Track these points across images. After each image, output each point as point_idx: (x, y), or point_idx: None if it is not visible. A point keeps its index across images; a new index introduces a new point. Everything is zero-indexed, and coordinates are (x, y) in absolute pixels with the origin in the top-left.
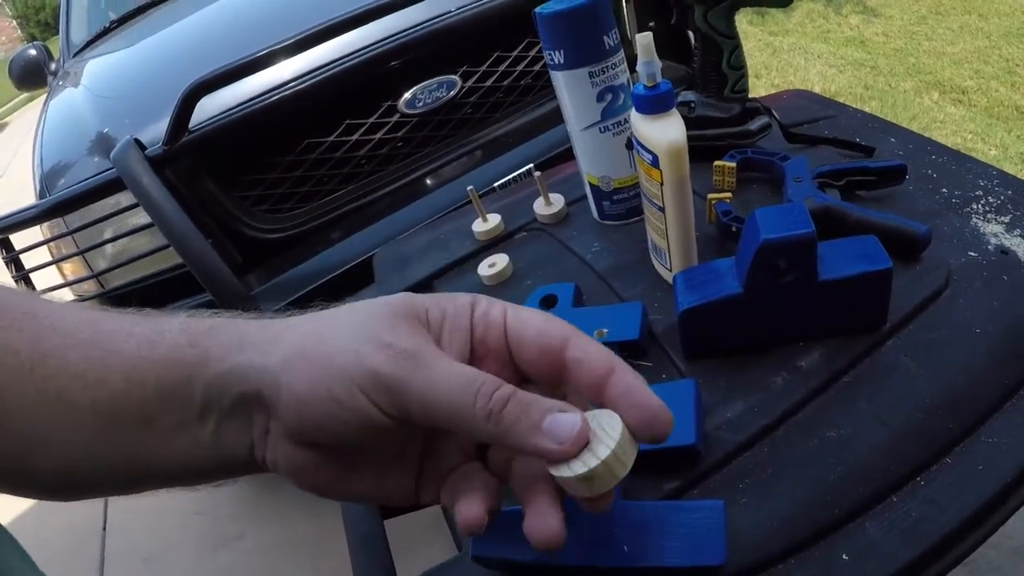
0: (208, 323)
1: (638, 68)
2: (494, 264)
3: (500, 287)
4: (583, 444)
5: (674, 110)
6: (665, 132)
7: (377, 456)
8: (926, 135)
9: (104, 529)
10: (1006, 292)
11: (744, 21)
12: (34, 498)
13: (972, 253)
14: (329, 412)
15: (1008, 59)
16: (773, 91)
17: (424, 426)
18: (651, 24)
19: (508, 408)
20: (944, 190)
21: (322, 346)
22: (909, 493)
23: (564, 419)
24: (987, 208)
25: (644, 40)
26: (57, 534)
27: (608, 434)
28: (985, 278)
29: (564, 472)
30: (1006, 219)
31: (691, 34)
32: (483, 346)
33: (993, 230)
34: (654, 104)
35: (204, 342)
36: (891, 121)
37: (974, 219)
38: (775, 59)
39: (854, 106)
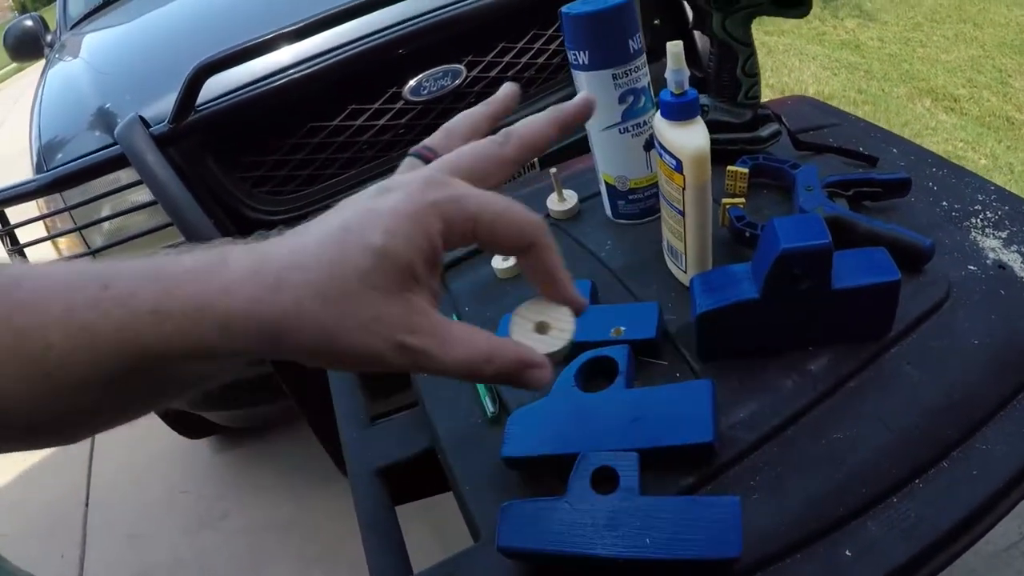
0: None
1: (667, 75)
2: (508, 258)
3: (514, 281)
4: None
5: (699, 117)
6: (690, 139)
7: None
8: (917, 141)
9: (87, 505)
10: (1003, 306)
11: None
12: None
13: (971, 267)
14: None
15: (1001, 69)
16: (767, 90)
17: None
18: (656, 21)
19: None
20: (944, 203)
21: (335, 339)
22: (908, 494)
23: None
24: (985, 223)
25: (674, 49)
26: (39, 509)
27: (565, 319)
28: (983, 291)
29: (544, 349)
30: (1003, 234)
31: (698, 37)
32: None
33: (991, 244)
34: (681, 111)
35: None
36: (891, 131)
37: (973, 233)
38: (770, 59)
39: (850, 111)
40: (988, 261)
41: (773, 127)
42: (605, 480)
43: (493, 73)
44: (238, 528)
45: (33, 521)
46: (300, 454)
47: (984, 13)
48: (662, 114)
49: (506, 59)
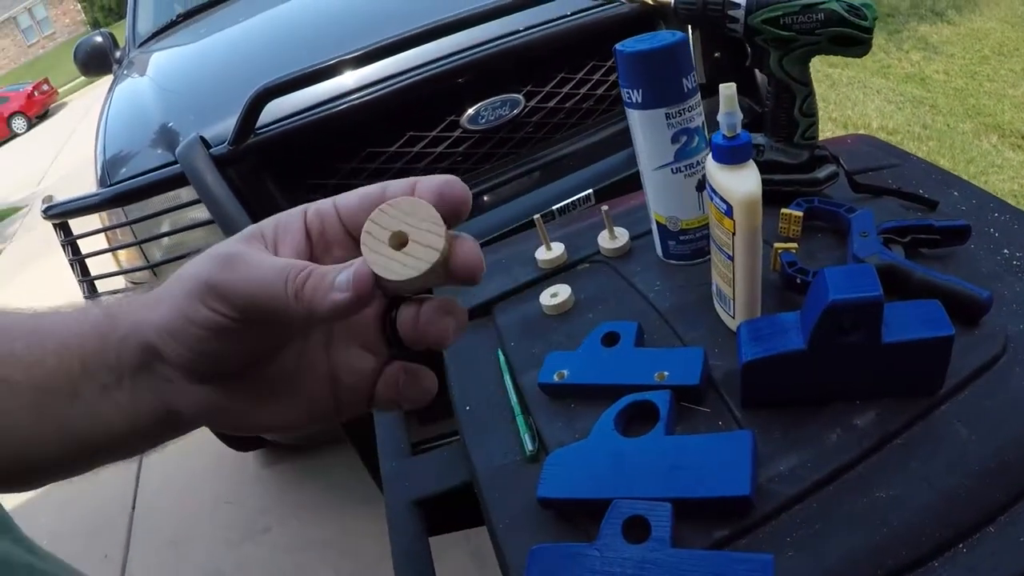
0: (124, 296)
1: (719, 118)
2: (556, 294)
3: (562, 318)
4: (367, 284)
5: (751, 161)
6: (742, 183)
7: (277, 380)
8: (982, 179)
9: (133, 508)
10: None
11: None
12: None
13: None
14: (188, 332)
15: None
16: (830, 123)
17: (260, 322)
18: (716, 54)
19: (308, 283)
20: (1005, 251)
21: (180, 280)
22: (950, 559)
23: (343, 273)
24: None
25: (727, 91)
26: (85, 511)
27: (430, 227)
28: None
29: (412, 274)
30: None
31: (758, 75)
32: (324, 239)
33: None
34: (733, 155)
35: (115, 310)
36: (953, 172)
37: None
38: (833, 92)
39: (914, 147)
40: None
41: (830, 168)
42: (637, 529)
43: (552, 103)
44: (279, 543)
45: (80, 521)
46: (344, 472)
47: None
48: (714, 157)
49: (565, 90)
